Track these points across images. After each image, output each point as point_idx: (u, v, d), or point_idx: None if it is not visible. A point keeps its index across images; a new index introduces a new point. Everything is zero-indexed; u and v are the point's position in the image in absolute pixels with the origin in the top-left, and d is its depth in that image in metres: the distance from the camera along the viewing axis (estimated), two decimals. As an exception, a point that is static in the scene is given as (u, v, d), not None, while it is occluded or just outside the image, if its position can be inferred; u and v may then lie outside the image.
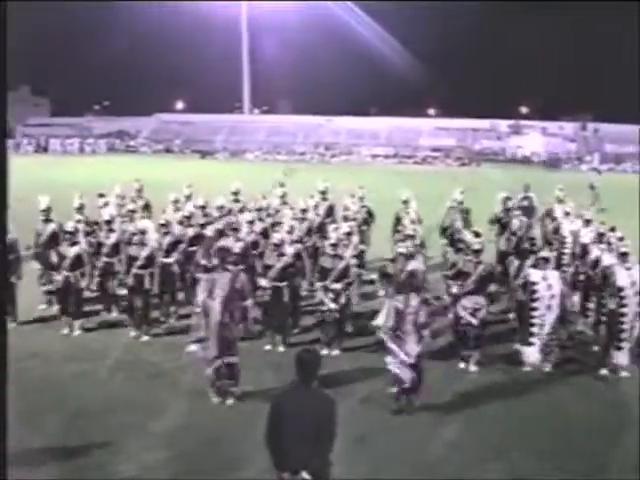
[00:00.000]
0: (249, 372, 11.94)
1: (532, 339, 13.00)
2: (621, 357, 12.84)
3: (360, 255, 16.89)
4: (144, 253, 14.54)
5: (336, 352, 13.66)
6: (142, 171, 46.07)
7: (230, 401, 11.35)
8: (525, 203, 21.23)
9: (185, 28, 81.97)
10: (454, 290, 13.50)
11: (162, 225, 15.88)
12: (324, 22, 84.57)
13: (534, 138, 78.72)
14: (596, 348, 13.76)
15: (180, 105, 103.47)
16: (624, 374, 12.80)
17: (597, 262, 14.50)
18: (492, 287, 13.64)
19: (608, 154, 75.54)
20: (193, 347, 11.48)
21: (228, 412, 11.06)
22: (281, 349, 13.83)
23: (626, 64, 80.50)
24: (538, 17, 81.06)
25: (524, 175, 36.16)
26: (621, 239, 14.10)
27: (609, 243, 14.66)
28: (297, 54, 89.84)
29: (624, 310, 12.71)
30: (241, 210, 18.66)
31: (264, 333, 14.24)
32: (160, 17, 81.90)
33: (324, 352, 13.43)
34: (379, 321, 11.44)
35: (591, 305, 14.82)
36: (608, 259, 13.96)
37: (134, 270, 14.44)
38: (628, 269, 12.86)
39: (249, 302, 12.42)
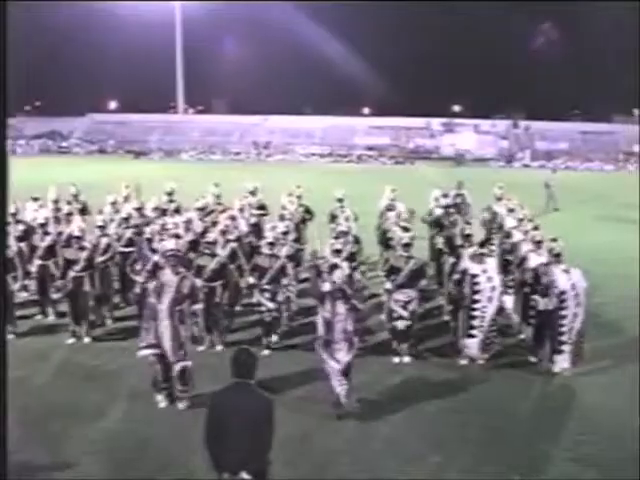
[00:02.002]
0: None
1: (473, 332, 13.09)
2: (562, 360, 12.72)
3: (297, 254, 17.00)
4: (83, 255, 14.42)
5: (266, 352, 13.77)
6: (76, 172, 45.50)
7: (182, 405, 11.27)
8: (458, 200, 21.50)
9: (118, 27, 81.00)
10: (387, 286, 13.71)
11: (100, 227, 15.80)
12: (258, 21, 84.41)
13: (467, 136, 79.53)
14: (528, 342, 13.95)
15: (113, 105, 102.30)
16: (565, 373, 12.75)
17: (524, 260, 14.61)
18: (423, 282, 13.78)
19: (539, 151, 76.74)
20: (144, 352, 11.32)
21: (169, 415, 11.04)
22: (219, 348, 13.92)
23: (556, 63, 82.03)
24: (469, 17, 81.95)
25: (457, 172, 36.63)
26: (554, 240, 13.73)
27: (539, 242, 14.52)
28: (232, 53, 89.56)
29: (564, 312, 12.56)
30: (176, 210, 18.66)
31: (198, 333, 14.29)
32: (93, 16, 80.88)
33: (265, 352, 13.57)
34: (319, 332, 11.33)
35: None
36: (536, 259, 13.99)
37: (72, 273, 14.31)
38: (566, 272, 12.70)
39: (199, 306, 12.40)
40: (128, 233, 16.35)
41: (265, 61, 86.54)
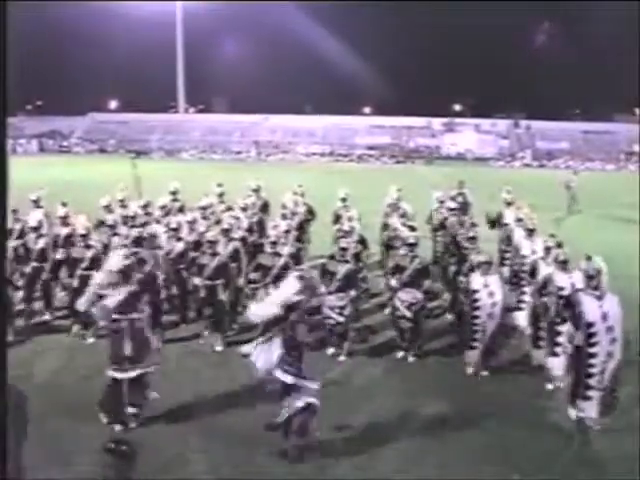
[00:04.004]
0: (187, 374, 11.90)
1: (474, 343, 12.56)
2: (589, 408, 10.43)
3: (297, 253, 16.96)
4: (89, 254, 14.37)
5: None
6: (76, 172, 45.44)
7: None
8: (460, 199, 21.46)
9: (119, 26, 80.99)
10: (392, 283, 13.69)
11: (110, 226, 15.75)
12: (259, 20, 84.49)
13: (468, 135, 79.63)
14: (550, 386, 12.00)
15: (114, 104, 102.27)
16: (594, 427, 10.45)
17: (547, 282, 12.36)
18: (427, 283, 13.55)
19: (540, 150, 76.82)
20: None
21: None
22: (219, 348, 13.82)
23: (557, 63, 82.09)
24: (470, 17, 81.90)
25: (458, 172, 36.49)
26: (589, 258, 10.77)
27: (564, 262, 12.28)
28: (232, 52, 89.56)
29: (594, 350, 10.20)
30: (180, 209, 18.60)
31: (200, 333, 14.25)
32: (94, 15, 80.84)
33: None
34: None
35: (542, 333, 12.65)
36: (562, 280, 11.96)
37: (79, 272, 14.24)
38: (598, 298, 10.33)
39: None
40: (134, 232, 16.21)
41: (266, 60, 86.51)
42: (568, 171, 40.60)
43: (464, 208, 20.74)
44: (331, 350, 13.47)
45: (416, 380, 12.54)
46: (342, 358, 13.38)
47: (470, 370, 12.71)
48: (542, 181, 47.42)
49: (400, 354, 13.45)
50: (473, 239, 14.81)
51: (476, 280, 12.51)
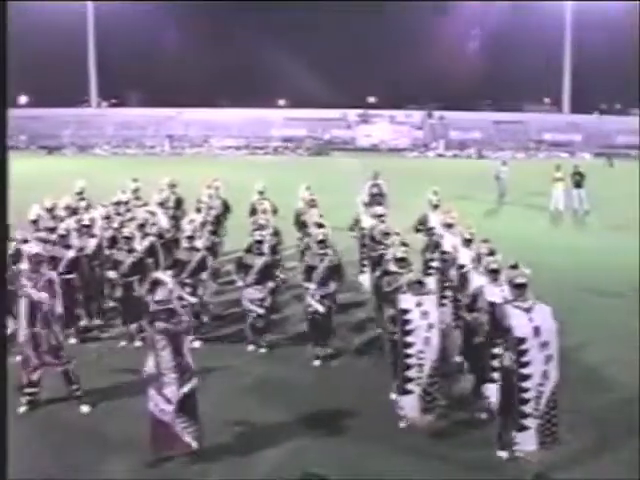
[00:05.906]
0: (105, 371, 11.78)
1: (409, 385, 10.10)
2: (527, 440, 9.05)
3: (214, 246, 16.99)
4: None
5: (196, 344, 13.47)
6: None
7: (86, 408, 10.97)
8: (375, 190, 21.62)
9: (27, 19, 79.15)
10: (305, 285, 13.69)
11: None
12: (172, 14, 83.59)
13: (382, 127, 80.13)
14: (484, 415, 10.61)
15: (24, 100, 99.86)
16: (531, 460, 9.18)
17: (476, 296, 10.95)
18: (335, 283, 13.47)
19: (453, 141, 77.80)
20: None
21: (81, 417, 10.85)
22: (138, 344, 13.68)
23: (468, 55, 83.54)
24: (385, 11, 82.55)
25: (373, 163, 36.77)
26: (514, 267, 10.16)
27: (494, 271, 10.84)
28: (145, 46, 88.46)
29: (527, 371, 8.92)
30: (87, 208, 18.07)
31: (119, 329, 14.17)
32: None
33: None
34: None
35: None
36: (493, 293, 10.50)
37: None
38: (527, 310, 9.06)
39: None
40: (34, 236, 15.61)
41: (179, 54, 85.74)
42: (497, 161, 40.66)
43: (380, 198, 20.90)
44: (250, 346, 13.66)
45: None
46: (263, 350, 13.52)
47: (404, 424, 10.37)
48: (466, 171, 47.97)
49: (318, 350, 13.44)
50: (403, 260, 11.91)
51: (407, 299, 10.20)
